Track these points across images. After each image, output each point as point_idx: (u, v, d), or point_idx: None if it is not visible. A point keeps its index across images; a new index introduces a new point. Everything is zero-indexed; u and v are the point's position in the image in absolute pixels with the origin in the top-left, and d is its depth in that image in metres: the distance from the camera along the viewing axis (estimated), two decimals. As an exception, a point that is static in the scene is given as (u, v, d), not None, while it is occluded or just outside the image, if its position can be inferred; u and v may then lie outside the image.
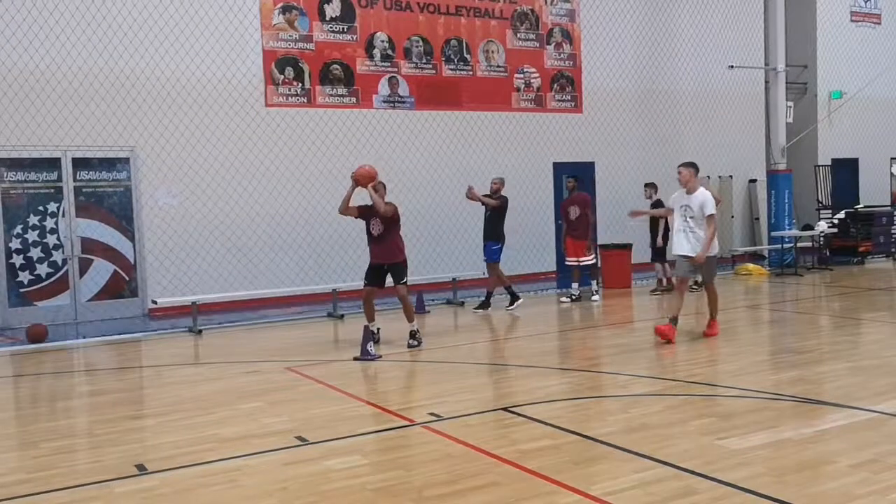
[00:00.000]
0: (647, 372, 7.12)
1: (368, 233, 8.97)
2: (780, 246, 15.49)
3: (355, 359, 8.16)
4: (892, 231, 16.47)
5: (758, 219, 17.51)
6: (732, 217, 17.10)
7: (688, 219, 8.68)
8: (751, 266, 15.05)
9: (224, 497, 4.42)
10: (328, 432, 5.59)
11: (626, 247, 13.76)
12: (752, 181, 17.68)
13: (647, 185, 13.21)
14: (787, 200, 15.67)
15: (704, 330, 9.00)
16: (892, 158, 20.28)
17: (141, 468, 4.93)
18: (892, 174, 20.54)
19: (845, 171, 18.69)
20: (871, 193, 19.04)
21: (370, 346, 8.21)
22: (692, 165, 8.92)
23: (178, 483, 4.67)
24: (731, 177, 17.11)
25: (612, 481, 4.40)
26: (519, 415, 5.87)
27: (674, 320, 8.63)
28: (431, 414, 5.96)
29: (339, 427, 5.72)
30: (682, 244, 8.70)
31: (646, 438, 5.13)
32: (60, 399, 7.28)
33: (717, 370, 7.16)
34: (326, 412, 6.17)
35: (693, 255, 8.54)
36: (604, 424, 5.53)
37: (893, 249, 16.51)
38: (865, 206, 17.02)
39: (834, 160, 18.55)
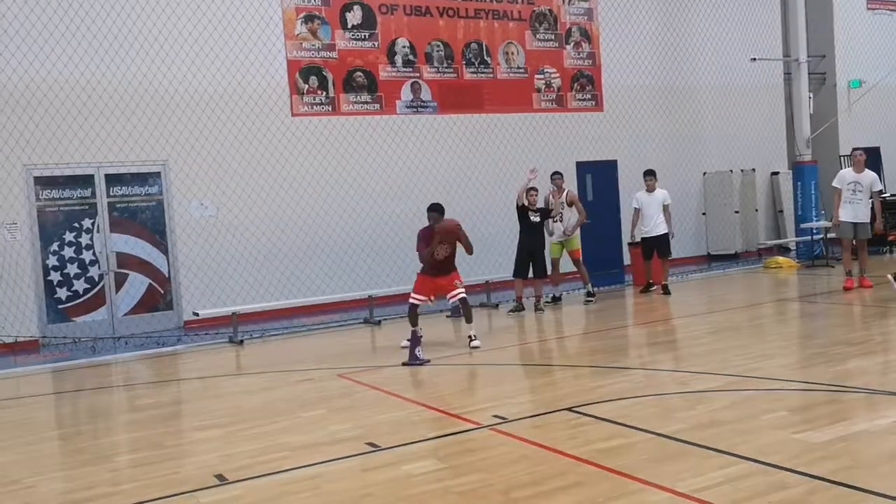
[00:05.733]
0: (703, 368, 7.11)
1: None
2: (809, 238, 15.46)
3: (404, 364, 8.19)
4: (921, 219, 16.41)
5: (781, 211, 17.47)
6: (756, 210, 17.06)
7: (856, 192, 11.14)
8: (781, 259, 15.01)
9: (313, 503, 4.45)
10: (397, 438, 5.61)
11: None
12: (775, 174, 17.64)
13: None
14: (813, 192, 15.63)
15: (846, 285, 11.39)
16: (913, 146, 20.24)
17: (221, 478, 4.95)
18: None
19: (868, 160, 18.59)
20: (894, 181, 18.99)
21: (419, 351, 8.23)
22: (866, 152, 11.77)
23: (263, 492, 4.69)
24: (753, 170, 17.08)
25: (698, 478, 4.40)
26: (584, 414, 5.87)
27: (849, 273, 11.43)
28: (496, 416, 5.97)
29: (407, 432, 5.74)
30: (848, 212, 11.19)
31: (720, 434, 5.13)
32: (119, 413, 7.32)
33: (774, 364, 7.14)
34: (390, 418, 6.19)
35: (863, 220, 11.17)
36: (673, 422, 5.53)
37: (922, 238, 16.45)
38: (892, 195, 16.95)
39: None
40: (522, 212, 11.58)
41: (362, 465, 5.07)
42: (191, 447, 5.78)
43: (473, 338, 9.06)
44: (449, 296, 9.51)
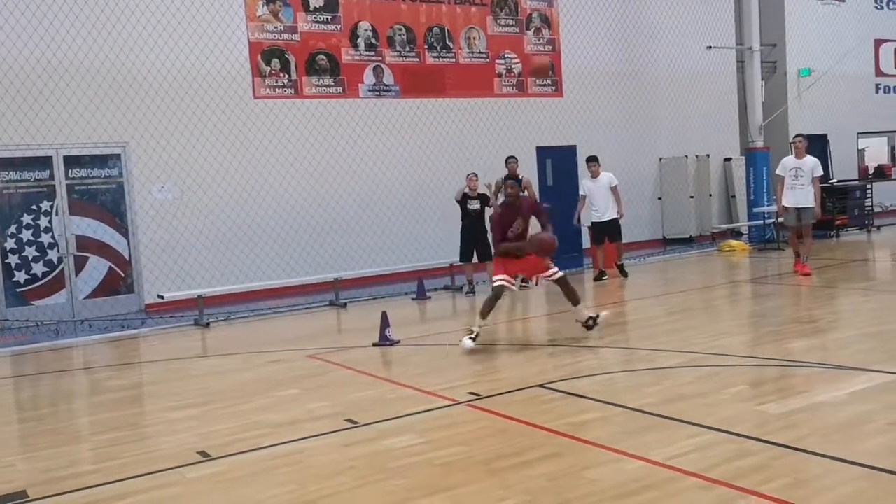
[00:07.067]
0: (666, 347, 7.36)
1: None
2: (760, 222, 15.93)
3: (374, 344, 8.30)
4: (866, 204, 17.03)
5: (734, 196, 17.94)
6: (710, 195, 17.50)
7: (798, 177, 11.16)
8: (734, 242, 15.45)
9: (298, 477, 4.55)
10: (375, 414, 5.73)
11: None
12: (728, 160, 18.10)
13: (470, 173, 12.07)
14: (765, 177, 16.09)
15: (795, 268, 11.48)
16: (858, 133, 20.93)
17: (204, 454, 5.03)
18: (858, 149, 21.19)
19: (816, 147, 19.12)
20: (840, 167, 19.64)
21: (388, 332, 8.35)
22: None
23: (248, 467, 4.79)
24: (707, 156, 17.50)
25: (669, 447, 4.61)
26: (556, 390, 6.07)
27: (798, 255, 11.52)
28: (471, 393, 6.14)
29: (384, 409, 5.87)
30: (791, 198, 11.23)
31: (687, 408, 5.37)
32: (90, 395, 7.32)
33: (732, 341, 7.44)
34: (366, 396, 6.31)
35: (806, 206, 11.12)
36: (642, 396, 5.75)
37: (867, 222, 17.07)
38: (840, 181, 17.56)
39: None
40: (462, 200, 11.82)
41: (343, 441, 5.19)
42: (167, 426, 5.82)
43: (595, 316, 8.00)
44: (543, 276, 8.21)
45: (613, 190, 12.53)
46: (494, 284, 7.97)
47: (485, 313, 7.86)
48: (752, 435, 4.72)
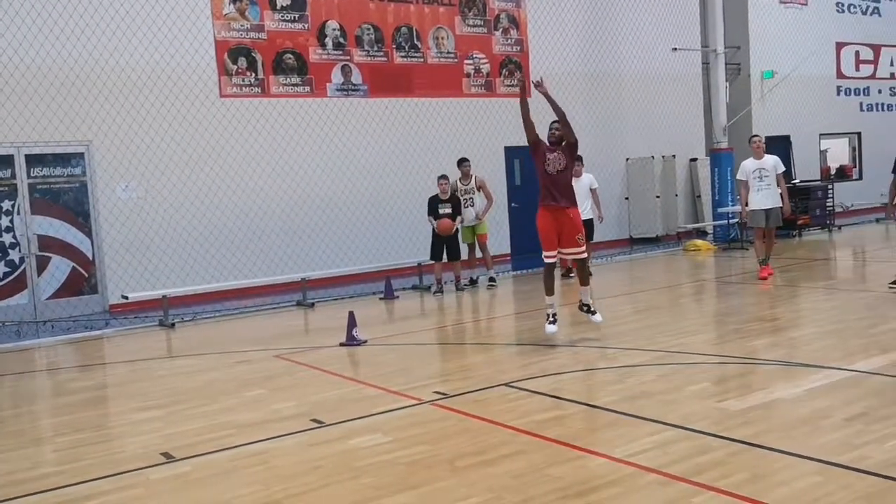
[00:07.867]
0: (630, 345, 7.46)
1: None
2: (725, 222, 16.16)
3: (342, 344, 8.30)
4: (828, 205, 17.34)
5: (699, 196, 18.17)
6: (676, 195, 17.70)
7: (762, 178, 10.95)
8: (699, 242, 15.66)
9: (264, 477, 4.55)
10: (341, 414, 5.74)
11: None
12: (693, 160, 18.31)
13: (441, 177, 12.08)
14: (729, 178, 16.31)
15: (761, 276, 11.09)
16: (820, 134, 21.30)
17: (168, 456, 5.01)
18: (820, 150, 21.57)
19: (779, 148, 19.42)
20: (803, 168, 19.98)
21: (355, 332, 8.36)
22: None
23: (212, 467, 4.78)
24: (673, 156, 17.70)
25: (631, 444, 4.69)
26: (522, 389, 6.12)
27: (763, 261, 11.17)
28: (436, 392, 6.18)
29: (351, 408, 5.88)
30: (758, 200, 10.97)
31: (649, 405, 5.45)
32: (53, 396, 7.24)
33: (695, 340, 7.56)
34: (332, 395, 6.32)
35: (774, 206, 10.91)
36: (605, 394, 5.84)
37: (829, 222, 17.39)
38: (802, 182, 17.86)
39: (768, 137, 19.29)
40: (432, 203, 11.91)
41: (309, 441, 5.20)
42: (132, 427, 5.79)
43: (593, 310, 7.89)
44: (571, 253, 7.77)
45: (593, 192, 12.65)
46: (546, 261, 7.79)
47: (549, 290, 7.79)
48: (712, 431, 4.80)
